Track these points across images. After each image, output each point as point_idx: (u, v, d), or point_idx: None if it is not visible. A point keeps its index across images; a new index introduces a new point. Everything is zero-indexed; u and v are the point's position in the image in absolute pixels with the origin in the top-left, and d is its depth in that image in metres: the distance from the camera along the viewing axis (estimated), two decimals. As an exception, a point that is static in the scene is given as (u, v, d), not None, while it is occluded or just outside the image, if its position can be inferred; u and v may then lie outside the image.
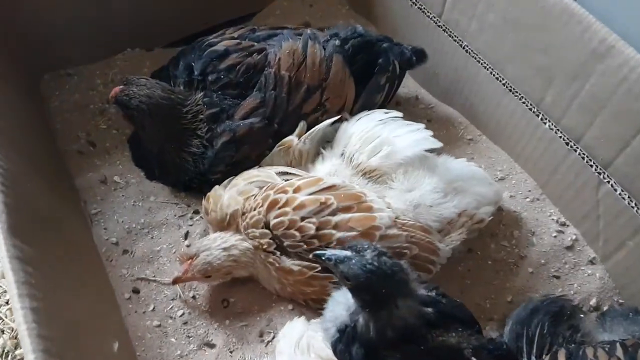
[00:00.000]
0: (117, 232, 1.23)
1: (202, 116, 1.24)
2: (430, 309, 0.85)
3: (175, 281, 1.10)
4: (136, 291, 1.16)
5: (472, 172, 1.18)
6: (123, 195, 1.29)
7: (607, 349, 0.89)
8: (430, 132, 1.17)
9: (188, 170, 1.25)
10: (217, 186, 1.17)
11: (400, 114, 1.21)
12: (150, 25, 1.53)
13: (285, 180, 1.12)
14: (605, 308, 1.14)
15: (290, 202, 1.06)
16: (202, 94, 1.24)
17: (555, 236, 1.22)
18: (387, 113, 1.21)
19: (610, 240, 1.15)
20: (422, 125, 1.19)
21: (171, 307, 1.14)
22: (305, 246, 1.05)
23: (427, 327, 0.85)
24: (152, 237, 1.24)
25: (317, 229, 1.04)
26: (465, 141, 1.38)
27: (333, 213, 1.05)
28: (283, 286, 1.11)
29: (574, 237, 1.21)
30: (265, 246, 1.08)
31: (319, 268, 1.05)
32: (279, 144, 1.20)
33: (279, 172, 1.15)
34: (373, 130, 1.16)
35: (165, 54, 1.46)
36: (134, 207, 1.27)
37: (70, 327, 0.88)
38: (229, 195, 1.13)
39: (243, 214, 1.10)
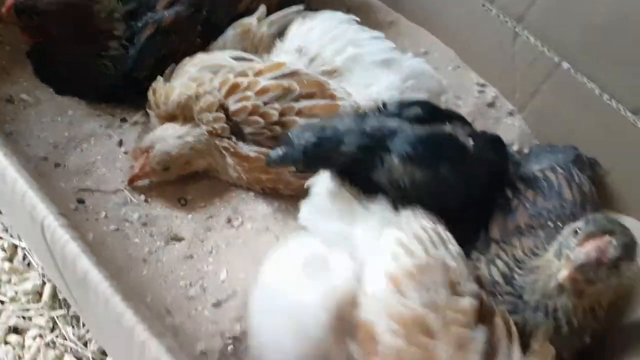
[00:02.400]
0: (42, 147, 1.13)
1: (117, 15, 1.15)
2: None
3: (132, 180, 1.05)
4: (81, 201, 1.08)
5: (422, 69, 1.22)
6: (36, 113, 1.18)
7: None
8: (392, 43, 1.20)
9: (108, 75, 1.16)
10: (160, 78, 1.11)
11: (358, 19, 1.22)
12: None
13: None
14: (525, 151, 1.28)
15: (252, 86, 1.03)
16: None
17: (477, 96, 1.34)
18: (347, 15, 1.21)
19: (525, 90, 1.30)
20: (382, 34, 1.22)
21: (124, 212, 1.08)
22: (268, 133, 1.04)
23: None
24: (82, 150, 1.16)
25: (280, 114, 1.03)
26: (387, 24, 1.44)
27: (296, 99, 1.04)
28: (239, 175, 1.09)
29: (493, 94, 1.35)
30: (219, 131, 1.05)
31: None
32: (233, 25, 1.15)
33: (234, 57, 1.10)
34: (338, 29, 1.15)
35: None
36: (52, 122, 1.17)
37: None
38: (179, 82, 1.07)
39: (197, 97, 1.06)
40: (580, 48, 1.17)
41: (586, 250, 0.76)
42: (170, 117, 1.09)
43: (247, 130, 1.04)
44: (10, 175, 0.60)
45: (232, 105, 1.03)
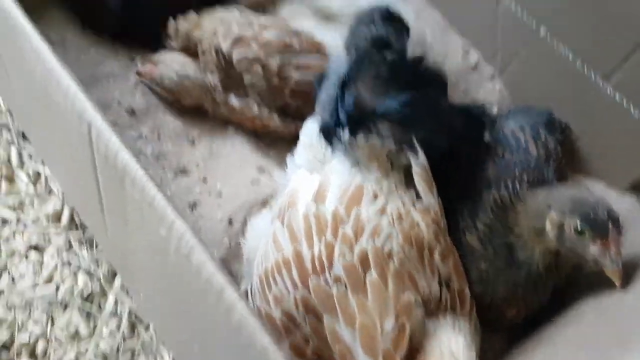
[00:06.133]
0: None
1: None
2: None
3: (137, 72, 1.22)
4: (100, 132, 1.18)
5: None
6: (62, 51, 1.27)
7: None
8: None
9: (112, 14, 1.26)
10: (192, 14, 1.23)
11: None
12: None
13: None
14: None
15: (256, 37, 1.13)
16: None
17: (461, 60, 1.44)
18: None
19: (505, 54, 1.40)
20: None
21: (139, 146, 1.20)
22: (265, 84, 1.14)
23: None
24: (102, 87, 1.26)
25: (279, 66, 1.13)
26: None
27: (295, 54, 1.15)
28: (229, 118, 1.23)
29: (476, 58, 1.45)
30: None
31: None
32: None
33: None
34: None
35: None
36: (77, 61, 1.27)
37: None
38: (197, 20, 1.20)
39: (200, 41, 1.17)
40: (557, 14, 1.25)
41: (614, 254, 0.86)
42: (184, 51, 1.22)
43: (247, 79, 1.15)
44: (64, 80, 0.72)
45: (235, 55, 1.14)
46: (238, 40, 1.14)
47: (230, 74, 1.17)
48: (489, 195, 1.02)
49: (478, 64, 1.45)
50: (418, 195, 0.93)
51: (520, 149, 1.12)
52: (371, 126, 0.93)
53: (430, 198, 0.93)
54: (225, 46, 1.14)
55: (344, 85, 0.96)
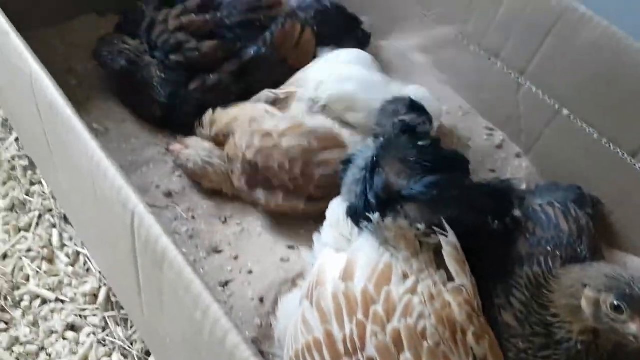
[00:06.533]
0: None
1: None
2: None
3: (167, 148, 1.33)
4: (138, 214, 1.24)
5: (422, 93, 1.35)
6: (104, 140, 1.36)
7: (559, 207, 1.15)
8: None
9: (159, 103, 1.37)
10: (218, 110, 1.32)
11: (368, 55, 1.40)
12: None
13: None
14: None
15: (277, 146, 1.19)
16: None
17: (486, 139, 1.47)
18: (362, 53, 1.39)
19: (530, 134, 1.43)
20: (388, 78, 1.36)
21: (175, 226, 1.24)
22: (290, 185, 1.20)
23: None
24: (142, 172, 1.33)
25: (302, 167, 1.19)
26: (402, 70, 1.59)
27: (315, 154, 1.20)
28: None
29: (501, 138, 1.48)
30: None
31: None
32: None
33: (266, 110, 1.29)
34: (348, 68, 1.32)
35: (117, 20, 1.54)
36: (118, 149, 1.36)
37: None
38: (223, 116, 1.29)
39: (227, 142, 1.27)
40: (577, 96, 1.30)
41: None
42: (212, 141, 1.31)
43: (273, 181, 1.21)
44: (111, 172, 0.78)
45: (260, 162, 1.21)
46: (261, 150, 1.20)
47: (256, 174, 1.23)
48: (522, 272, 1.01)
49: (503, 142, 1.48)
50: (450, 275, 0.93)
51: (551, 225, 1.11)
52: (399, 208, 0.94)
53: (462, 278, 0.92)
54: (249, 154, 1.21)
55: (372, 168, 1.00)
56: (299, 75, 1.37)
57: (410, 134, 1.07)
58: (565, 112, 1.33)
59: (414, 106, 1.15)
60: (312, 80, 1.32)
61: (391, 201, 0.96)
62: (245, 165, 1.22)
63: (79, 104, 1.41)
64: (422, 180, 0.97)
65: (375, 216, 0.95)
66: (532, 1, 1.30)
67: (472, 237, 0.98)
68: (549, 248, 1.05)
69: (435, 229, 0.93)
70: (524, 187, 1.40)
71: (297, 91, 1.33)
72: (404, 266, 0.91)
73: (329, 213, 1.10)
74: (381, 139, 1.06)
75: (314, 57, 1.43)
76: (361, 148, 1.10)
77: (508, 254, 1.06)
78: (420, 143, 1.03)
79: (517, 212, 1.13)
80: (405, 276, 0.90)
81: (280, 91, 1.34)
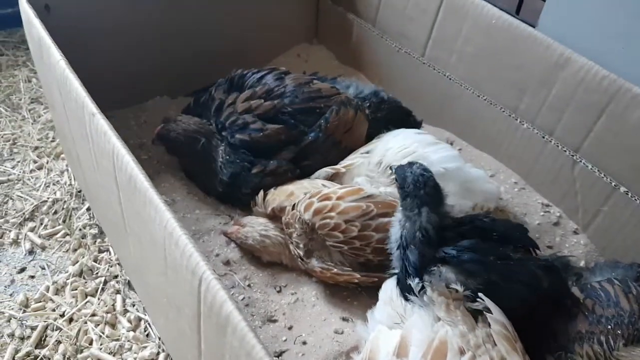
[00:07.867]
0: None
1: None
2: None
3: (224, 233, 1.39)
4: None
5: (478, 173, 1.40)
6: (172, 209, 1.44)
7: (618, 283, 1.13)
8: (456, 151, 1.41)
9: (221, 181, 1.46)
10: (272, 190, 1.41)
11: (429, 133, 1.47)
12: (174, 77, 1.76)
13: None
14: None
15: (335, 208, 1.24)
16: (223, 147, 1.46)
17: (542, 215, 1.47)
18: (419, 133, 1.45)
19: (588, 210, 1.42)
20: (448, 145, 1.44)
21: (232, 294, 1.27)
22: (346, 247, 1.24)
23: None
24: (203, 241, 1.39)
25: (359, 230, 1.23)
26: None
27: (372, 218, 1.24)
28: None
29: (558, 214, 1.47)
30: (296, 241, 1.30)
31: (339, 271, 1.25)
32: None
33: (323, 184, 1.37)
34: (410, 146, 1.36)
35: (187, 101, 1.67)
36: (183, 218, 1.43)
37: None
38: (280, 194, 1.36)
39: (287, 212, 1.32)
40: (633, 174, 1.30)
41: None
42: (267, 217, 1.38)
43: (329, 242, 1.25)
44: (182, 240, 0.84)
45: (318, 222, 1.25)
46: (319, 211, 1.25)
47: (313, 238, 1.28)
48: (582, 350, 1.00)
49: (560, 219, 1.47)
50: None
51: (610, 303, 1.09)
52: (434, 269, 1.00)
53: (514, 357, 0.91)
54: (307, 216, 1.25)
55: (405, 246, 1.07)
56: (362, 150, 1.44)
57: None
58: (623, 189, 1.33)
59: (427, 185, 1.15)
60: (377, 153, 1.39)
61: (428, 267, 1.02)
62: (302, 226, 1.26)
63: (150, 177, 1.51)
64: (457, 244, 1.03)
65: (415, 282, 1.00)
66: (583, 83, 1.33)
67: (526, 312, 1.01)
68: (609, 326, 1.03)
69: (479, 297, 0.96)
70: (582, 264, 1.39)
71: (356, 162, 1.40)
72: (460, 341, 0.91)
73: (381, 293, 1.13)
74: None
75: (368, 139, 1.50)
76: (393, 223, 1.15)
77: (567, 330, 1.05)
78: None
79: (574, 289, 1.13)
80: (461, 352, 0.90)
81: (340, 166, 1.40)
